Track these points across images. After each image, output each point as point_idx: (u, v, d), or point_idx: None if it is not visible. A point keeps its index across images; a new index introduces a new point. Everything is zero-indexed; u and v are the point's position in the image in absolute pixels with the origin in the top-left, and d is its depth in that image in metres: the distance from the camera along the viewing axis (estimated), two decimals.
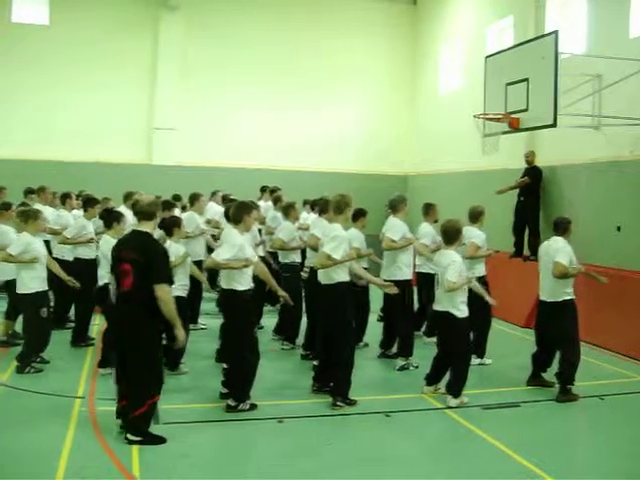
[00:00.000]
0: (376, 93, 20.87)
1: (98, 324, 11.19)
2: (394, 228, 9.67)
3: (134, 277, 6.56)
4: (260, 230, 11.97)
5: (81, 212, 11.62)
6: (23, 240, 9.07)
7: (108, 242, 8.85)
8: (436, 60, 19.89)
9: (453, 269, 7.93)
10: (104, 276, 8.96)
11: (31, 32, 18.65)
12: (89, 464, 6.21)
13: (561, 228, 8.71)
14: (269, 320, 11.72)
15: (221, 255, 7.58)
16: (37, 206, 11.78)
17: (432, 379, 8.51)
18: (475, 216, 10.04)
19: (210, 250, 11.17)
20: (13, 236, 9.93)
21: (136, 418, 6.63)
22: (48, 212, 12.05)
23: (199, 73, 19.49)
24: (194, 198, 12.12)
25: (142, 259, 6.55)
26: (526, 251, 13.76)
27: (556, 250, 8.48)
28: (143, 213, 6.89)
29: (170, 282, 6.86)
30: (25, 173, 16.70)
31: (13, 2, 18.76)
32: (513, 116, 12.46)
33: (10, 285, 9.96)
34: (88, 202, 11.09)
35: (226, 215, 9.18)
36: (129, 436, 6.65)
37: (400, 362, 9.69)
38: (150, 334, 6.73)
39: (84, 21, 18.77)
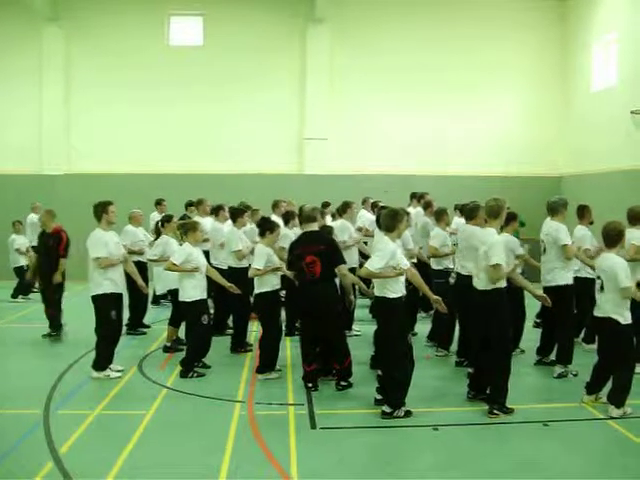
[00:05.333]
0: (525, 93, 20.35)
1: (255, 331, 11.55)
2: (564, 232, 9.32)
3: (321, 265, 8.66)
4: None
5: None
6: (185, 250, 9.54)
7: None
8: (588, 56, 19.07)
9: (622, 273, 7.61)
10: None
11: (187, 53, 19.83)
12: (249, 465, 6.46)
13: None
14: (423, 327, 11.67)
15: (374, 264, 7.63)
16: (196, 218, 12.32)
17: (593, 388, 8.18)
18: (635, 217, 9.57)
19: (363, 257, 11.32)
20: (175, 247, 10.47)
21: (346, 369, 8.88)
22: (206, 224, 12.51)
23: (345, 82, 19.83)
24: (346, 206, 12.26)
25: (326, 249, 8.72)
26: None
27: None
28: (308, 217, 9.08)
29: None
30: (185, 186, 17.55)
31: (171, 28, 20.12)
32: None
33: (173, 294, 10.51)
34: (236, 213, 11.34)
35: (377, 222, 9.24)
36: (342, 383, 8.86)
37: (558, 369, 9.38)
38: (338, 303, 9.04)
39: (235, 37, 19.73)
